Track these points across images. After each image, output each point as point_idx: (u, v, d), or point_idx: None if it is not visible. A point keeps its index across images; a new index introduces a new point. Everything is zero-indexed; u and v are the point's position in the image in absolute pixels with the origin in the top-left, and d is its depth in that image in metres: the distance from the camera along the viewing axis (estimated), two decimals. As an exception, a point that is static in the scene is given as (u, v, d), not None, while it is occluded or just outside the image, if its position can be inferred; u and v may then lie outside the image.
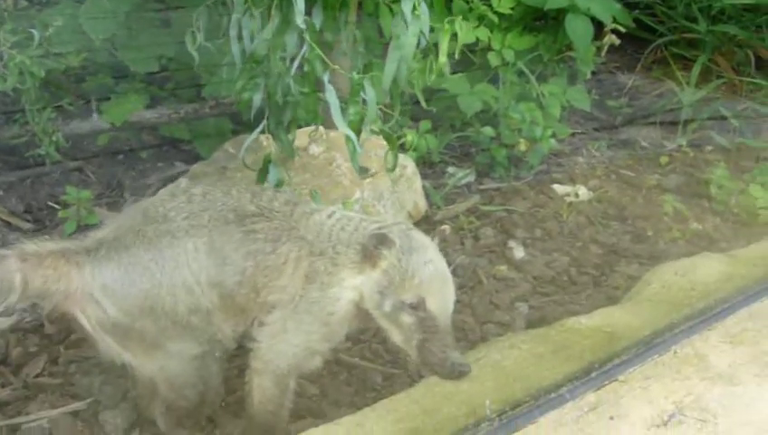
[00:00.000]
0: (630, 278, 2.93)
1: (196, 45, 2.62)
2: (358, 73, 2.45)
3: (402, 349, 1.96)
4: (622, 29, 3.74)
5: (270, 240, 1.96)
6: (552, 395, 1.82)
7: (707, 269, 2.44)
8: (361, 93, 2.44)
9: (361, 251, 1.91)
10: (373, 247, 1.90)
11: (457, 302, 2.78)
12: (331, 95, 2.37)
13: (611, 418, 1.80)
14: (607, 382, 1.90)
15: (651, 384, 1.90)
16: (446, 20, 2.36)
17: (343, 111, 2.42)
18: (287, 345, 1.95)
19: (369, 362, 2.50)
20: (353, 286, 1.92)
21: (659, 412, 1.82)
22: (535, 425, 1.74)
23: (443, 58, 2.37)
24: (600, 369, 1.92)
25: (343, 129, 2.37)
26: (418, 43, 2.36)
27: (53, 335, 2.48)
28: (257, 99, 2.54)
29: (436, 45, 2.45)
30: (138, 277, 1.86)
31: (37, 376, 2.35)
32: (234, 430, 2.17)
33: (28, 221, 3.15)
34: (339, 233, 1.99)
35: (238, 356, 2.24)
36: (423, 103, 2.60)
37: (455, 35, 2.46)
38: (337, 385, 2.39)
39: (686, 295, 2.30)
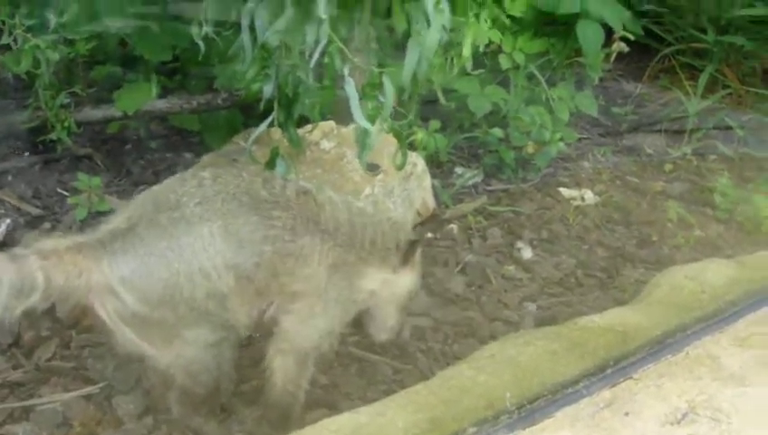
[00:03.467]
0: (637, 282, 2.97)
1: (202, 35, 2.62)
2: (372, 69, 2.45)
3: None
4: (631, 37, 3.78)
5: (288, 229, 1.97)
6: (569, 390, 1.84)
7: (716, 273, 2.47)
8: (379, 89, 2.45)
9: (400, 253, 2.16)
10: (409, 252, 2.15)
11: (465, 299, 2.85)
12: (350, 89, 2.37)
13: (626, 414, 1.82)
14: (621, 380, 1.93)
15: (665, 383, 1.93)
16: (472, 13, 2.37)
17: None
18: (313, 329, 2.02)
19: (378, 355, 2.51)
20: (378, 280, 2.00)
21: (673, 410, 1.85)
22: (552, 419, 1.77)
23: (467, 52, 2.37)
24: (615, 366, 1.94)
25: (362, 123, 2.37)
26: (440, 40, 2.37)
27: (65, 320, 2.48)
28: (267, 90, 2.53)
29: (458, 44, 2.46)
30: (155, 267, 1.85)
31: (49, 360, 2.35)
32: (247, 417, 2.18)
33: (37, 207, 3.14)
34: (359, 225, 2.08)
35: (249, 346, 2.27)
36: (442, 99, 2.59)
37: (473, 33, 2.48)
38: (348, 377, 2.40)
39: (696, 298, 2.32)
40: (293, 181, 2.15)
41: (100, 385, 2.25)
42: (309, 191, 2.10)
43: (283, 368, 2.05)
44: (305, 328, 2.02)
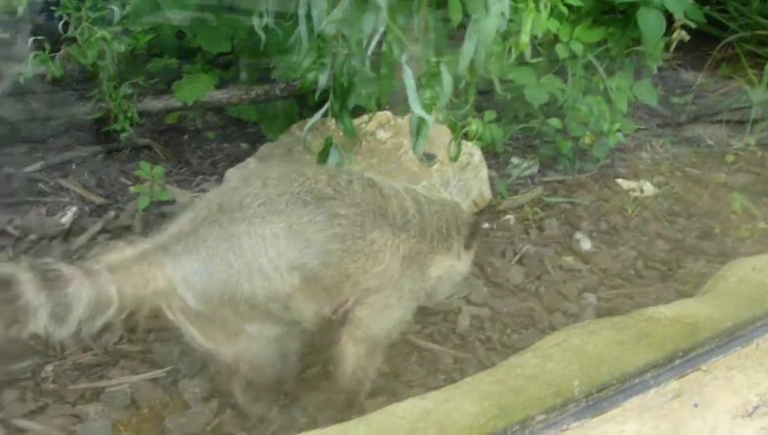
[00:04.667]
0: (699, 274, 2.91)
1: (263, 25, 2.64)
2: (429, 59, 2.44)
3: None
4: (693, 25, 3.70)
5: (357, 225, 1.97)
6: (636, 381, 1.81)
7: (785, 266, 2.41)
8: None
9: (465, 238, 2.20)
10: (471, 235, 2.21)
11: (524, 290, 2.83)
12: (408, 78, 2.36)
13: (696, 405, 1.79)
14: (690, 371, 1.89)
15: (734, 375, 1.89)
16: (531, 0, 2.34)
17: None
18: (389, 319, 2.06)
19: (438, 344, 2.52)
20: (445, 266, 2.03)
21: (743, 403, 1.81)
22: (620, 409, 1.74)
23: (525, 38, 2.34)
24: (683, 358, 1.90)
25: (419, 112, 2.36)
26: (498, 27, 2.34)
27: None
28: (322, 80, 2.54)
29: (516, 31, 2.44)
30: (216, 269, 1.86)
31: (116, 344, 2.40)
32: (311, 402, 2.20)
33: (100, 196, 3.21)
34: (426, 215, 2.12)
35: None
36: (498, 89, 2.58)
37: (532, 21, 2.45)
38: (408, 366, 2.41)
39: (765, 291, 2.27)
40: (359, 175, 2.15)
41: (167, 369, 2.30)
42: (375, 184, 2.09)
43: (355, 355, 2.06)
44: (380, 318, 2.04)
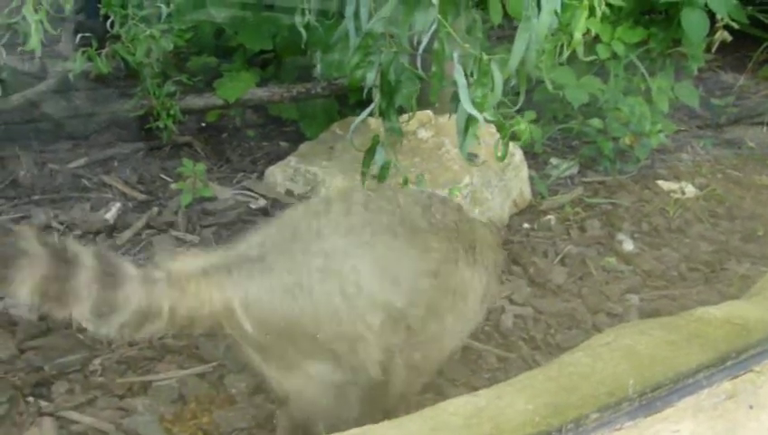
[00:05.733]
0: (744, 277, 2.88)
1: (304, 23, 2.65)
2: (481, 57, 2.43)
3: None
4: (736, 25, 3.66)
5: (451, 261, 1.89)
6: (689, 381, 1.79)
7: (836, 269, 2.38)
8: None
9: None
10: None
11: (566, 290, 2.81)
12: (459, 75, 2.34)
13: (750, 407, 1.77)
14: (742, 372, 1.86)
15: (789, 377, 1.86)
16: (583, -3, 2.32)
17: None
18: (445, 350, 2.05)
19: (482, 343, 2.51)
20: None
21: (800, 406, 1.79)
22: (674, 408, 1.72)
23: (578, 35, 2.32)
24: (736, 359, 1.88)
25: (471, 111, 2.34)
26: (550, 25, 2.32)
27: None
28: (370, 77, 2.54)
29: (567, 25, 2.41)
30: (279, 302, 1.74)
31: (162, 338, 2.41)
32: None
33: (142, 192, 3.24)
34: (498, 251, 2.17)
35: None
36: (549, 87, 2.53)
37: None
38: (452, 365, 2.40)
39: (816, 293, 2.24)
40: (447, 200, 2.09)
41: (213, 364, 2.31)
42: (473, 220, 2.06)
43: (407, 381, 1.95)
44: (440, 347, 1.99)
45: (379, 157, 2.70)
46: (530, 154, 3.63)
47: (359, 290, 1.73)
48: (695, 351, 1.91)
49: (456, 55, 2.35)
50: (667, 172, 3.68)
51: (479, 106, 2.42)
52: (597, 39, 3.76)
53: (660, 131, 3.54)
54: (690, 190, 3.50)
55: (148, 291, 1.68)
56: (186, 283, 1.71)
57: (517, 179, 3.26)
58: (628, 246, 3.06)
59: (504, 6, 2.97)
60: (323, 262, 1.73)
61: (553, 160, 3.67)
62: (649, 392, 1.74)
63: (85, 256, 1.65)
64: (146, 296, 1.67)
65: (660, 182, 3.56)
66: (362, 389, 1.84)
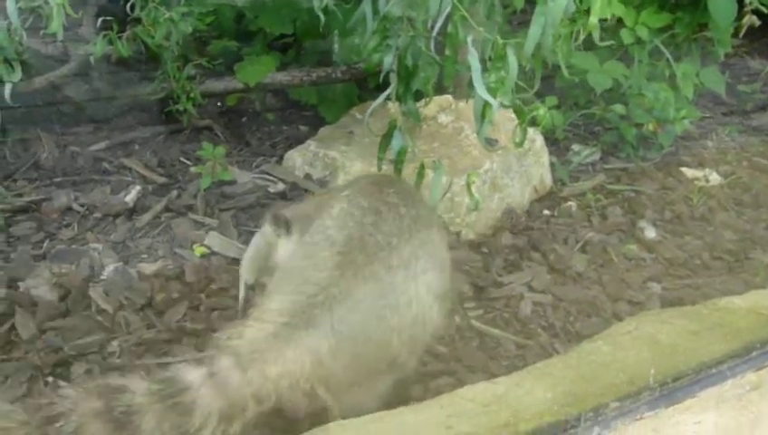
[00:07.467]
0: (768, 266, 2.85)
1: (323, 6, 2.62)
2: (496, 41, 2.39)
3: None
4: (765, 10, 3.58)
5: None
6: (712, 371, 1.77)
7: None
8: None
9: None
10: None
11: (587, 278, 2.78)
12: (473, 59, 2.31)
13: (775, 399, 1.74)
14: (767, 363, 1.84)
15: (815, 369, 1.83)
16: (600, -22, 2.28)
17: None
18: None
19: (500, 329, 2.49)
20: None
21: (825, 398, 1.76)
22: (696, 399, 1.70)
23: (594, 19, 2.28)
24: (761, 349, 1.85)
25: (485, 96, 2.32)
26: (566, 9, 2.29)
27: (194, 284, 2.55)
28: (388, 61, 2.51)
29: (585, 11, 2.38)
30: (364, 333, 1.72)
31: (179, 321, 2.42)
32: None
33: (162, 175, 3.24)
34: None
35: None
36: (565, 73, 2.51)
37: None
38: (470, 351, 2.38)
39: (843, 283, 2.20)
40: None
41: (230, 347, 2.30)
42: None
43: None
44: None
45: (396, 142, 2.67)
46: (551, 140, 3.59)
47: (418, 296, 1.78)
48: (718, 341, 1.88)
49: (470, 39, 2.32)
50: (691, 159, 3.63)
51: (494, 91, 2.39)
52: (620, 23, 3.71)
53: (685, 118, 3.49)
54: (714, 178, 3.45)
55: (227, 392, 1.53)
56: (261, 358, 1.59)
57: (538, 165, 3.22)
58: (651, 233, 3.02)
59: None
60: (389, 279, 1.75)
61: (575, 147, 3.63)
62: (671, 382, 1.71)
63: (132, 382, 1.50)
64: (226, 397, 1.52)
65: (684, 169, 3.52)
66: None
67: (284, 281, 1.86)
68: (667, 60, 3.67)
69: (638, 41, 3.62)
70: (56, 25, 2.31)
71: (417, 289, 1.79)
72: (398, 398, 1.88)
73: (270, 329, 1.63)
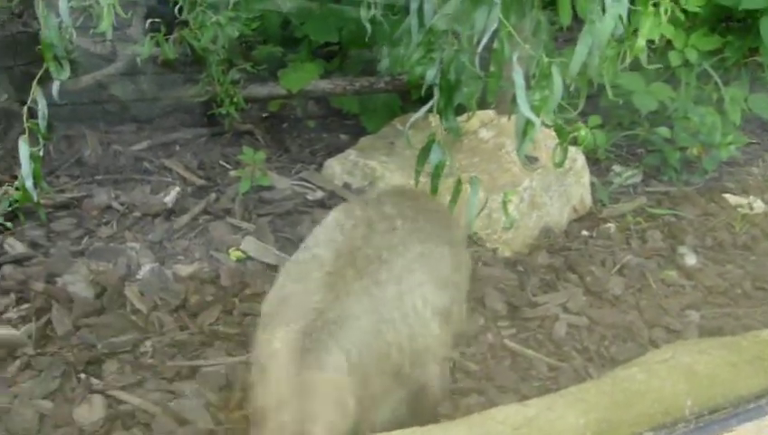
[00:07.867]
0: (812, 299, 2.77)
1: (370, 17, 2.62)
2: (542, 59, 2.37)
3: None
4: (818, 37, 3.52)
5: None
6: (751, 406, 1.73)
7: None
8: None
9: None
10: None
11: (623, 301, 2.74)
12: (518, 76, 2.29)
13: (815, 438, 1.69)
14: (808, 400, 1.79)
15: None
16: (651, 2, 2.25)
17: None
18: None
19: (533, 350, 2.46)
20: None
21: None
22: (733, 433, 1.66)
23: (641, 41, 2.25)
24: (802, 385, 1.80)
25: (527, 114, 2.30)
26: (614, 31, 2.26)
27: (229, 288, 2.56)
28: (431, 74, 2.50)
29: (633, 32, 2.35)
30: (375, 346, 1.72)
31: (212, 324, 2.43)
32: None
33: (201, 177, 3.26)
34: None
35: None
36: (609, 94, 2.48)
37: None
38: (502, 370, 2.36)
39: None
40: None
41: (261, 353, 2.31)
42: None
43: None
44: None
45: (435, 156, 2.66)
46: (592, 160, 3.55)
47: (425, 304, 1.79)
48: (758, 374, 1.83)
49: (515, 56, 2.30)
50: (735, 186, 3.56)
51: (537, 109, 2.37)
52: (669, 45, 3.66)
53: (731, 144, 3.43)
54: (759, 206, 3.38)
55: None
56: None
57: (578, 185, 3.19)
58: (691, 260, 2.97)
59: (573, 8, 2.90)
60: (395, 289, 1.76)
61: (616, 168, 3.58)
62: (707, 415, 1.68)
63: None
64: None
65: (727, 196, 3.45)
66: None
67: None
68: (716, 83, 3.61)
69: (686, 63, 3.57)
70: (106, 25, 2.34)
71: (414, 302, 1.78)
72: (425, 413, 1.87)
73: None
